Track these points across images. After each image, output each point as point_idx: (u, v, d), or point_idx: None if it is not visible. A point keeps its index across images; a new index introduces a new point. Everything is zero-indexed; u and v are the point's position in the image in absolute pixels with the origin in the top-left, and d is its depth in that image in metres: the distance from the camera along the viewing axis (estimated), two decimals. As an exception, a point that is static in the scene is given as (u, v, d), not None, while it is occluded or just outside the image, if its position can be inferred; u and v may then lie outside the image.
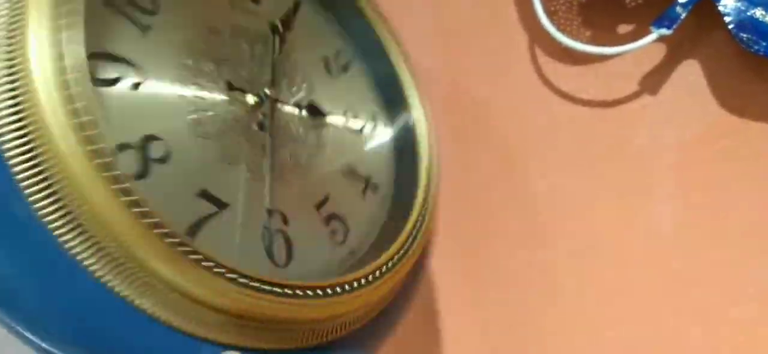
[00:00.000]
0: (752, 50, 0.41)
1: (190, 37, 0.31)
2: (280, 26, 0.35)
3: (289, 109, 0.34)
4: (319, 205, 0.33)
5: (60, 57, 0.23)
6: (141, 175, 0.27)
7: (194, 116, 0.29)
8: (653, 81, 0.47)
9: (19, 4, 0.24)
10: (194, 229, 0.28)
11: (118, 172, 0.23)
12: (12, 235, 0.23)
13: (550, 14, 0.46)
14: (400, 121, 0.38)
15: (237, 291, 0.26)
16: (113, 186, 0.23)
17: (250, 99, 0.32)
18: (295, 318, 0.28)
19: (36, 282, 0.24)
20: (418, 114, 0.38)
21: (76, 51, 0.24)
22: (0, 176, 0.23)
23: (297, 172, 0.33)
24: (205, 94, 0.30)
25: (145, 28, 0.29)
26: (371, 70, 0.39)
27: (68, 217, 0.23)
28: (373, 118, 0.38)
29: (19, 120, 0.23)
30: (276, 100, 0.33)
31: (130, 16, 0.29)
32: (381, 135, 0.38)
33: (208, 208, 0.29)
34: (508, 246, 0.44)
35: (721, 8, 0.42)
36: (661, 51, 0.47)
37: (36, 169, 0.23)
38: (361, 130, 0.37)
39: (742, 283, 0.43)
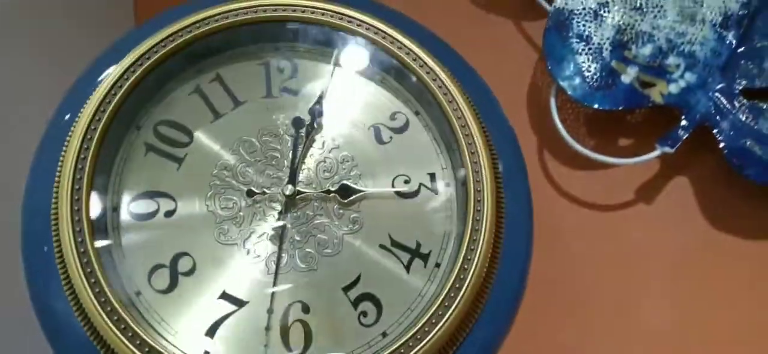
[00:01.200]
0: (742, 174, 0.47)
1: (219, 156, 0.34)
2: (306, 118, 0.35)
3: (319, 197, 0.34)
4: (349, 288, 0.32)
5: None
6: (169, 289, 0.32)
7: (221, 228, 0.33)
8: (650, 191, 0.52)
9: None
10: (213, 329, 0.31)
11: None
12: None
13: (561, 122, 0.49)
14: (460, 177, 0.33)
15: None
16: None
17: (271, 204, 0.33)
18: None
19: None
20: (473, 170, 0.32)
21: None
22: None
23: (326, 258, 0.33)
24: (230, 204, 0.33)
25: (180, 161, 0.34)
26: (434, 125, 0.35)
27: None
28: (431, 178, 0.34)
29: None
30: (291, 197, 0.33)
31: (167, 154, 0.34)
32: (439, 196, 0.34)
33: (227, 308, 0.32)
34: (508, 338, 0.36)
35: (716, 134, 0.47)
36: (657, 165, 0.52)
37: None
38: (413, 194, 0.34)
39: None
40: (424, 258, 0.33)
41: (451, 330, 0.30)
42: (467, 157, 0.33)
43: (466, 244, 0.31)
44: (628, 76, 0.48)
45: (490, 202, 0.32)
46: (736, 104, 0.47)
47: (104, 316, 0.29)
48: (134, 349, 0.29)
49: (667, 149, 0.47)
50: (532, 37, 0.55)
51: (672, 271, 0.51)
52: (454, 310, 0.30)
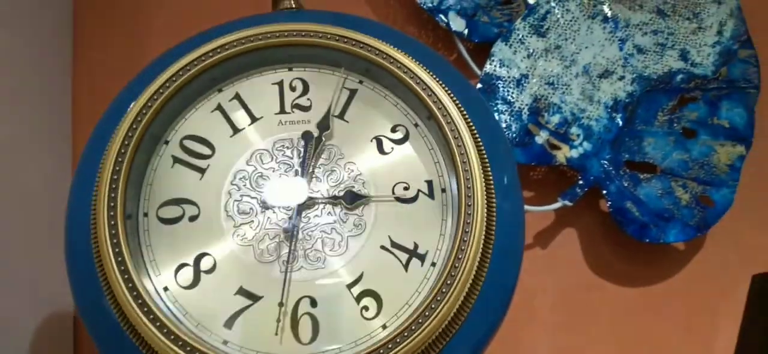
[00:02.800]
0: (622, 229, 0.57)
1: (237, 166, 0.38)
2: (314, 132, 0.38)
3: (326, 202, 0.37)
4: (352, 284, 0.35)
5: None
6: (193, 285, 0.35)
7: (238, 231, 0.36)
8: (544, 238, 0.61)
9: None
10: (231, 321, 0.34)
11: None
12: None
13: None
14: (455, 187, 0.36)
15: None
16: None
17: (281, 211, 0.36)
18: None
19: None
20: (464, 178, 0.35)
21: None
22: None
23: (332, 257, 0.36)
24: (247, 209, 0.37)
25: (202, 171, 0.38)
26: (432, 136, 0.38)
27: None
28: (428, 186, 0.37)
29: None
30: (303, 202, 0.36)
31: (192, 166, 0.38)
32: (434, 201, 0.37)
33: (243, 302, 0.35)
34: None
35: (605, 195, 0.57)
36: (553, 216, 0.61)
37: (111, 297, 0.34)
38: (411, 200, 0.37)
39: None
40: (421, 258, 0.35)
41: (442, 321, 0.32)
42: (458, 161, 0.36)
43: (457, 243, 0.34)
44: (541, 137, 0.57)
45: (480, 203, 0.35)
46: (621, 172, 0.58)
47: (136, 308, 0.32)
48: (163, 338, 0.32)
49: (567, 202, 0.56)
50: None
51: (554, 309, 0.59)
52: (444, 305, 0.33)
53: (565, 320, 0.59)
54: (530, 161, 0.57)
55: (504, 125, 0.56)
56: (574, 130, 0.58)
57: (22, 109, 0.56)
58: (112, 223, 0.34)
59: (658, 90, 0.58)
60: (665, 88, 0.57)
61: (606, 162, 0.57)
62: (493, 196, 0.36)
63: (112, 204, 0.35)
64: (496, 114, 0.56)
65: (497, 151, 0.37)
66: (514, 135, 0.56)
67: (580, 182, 0.56)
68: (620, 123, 0.57)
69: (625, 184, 0.57)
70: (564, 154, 0.56)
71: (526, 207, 0.55)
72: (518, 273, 0.37)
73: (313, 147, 0.38)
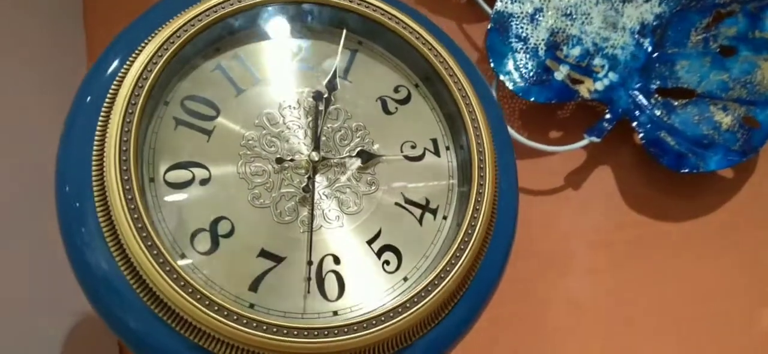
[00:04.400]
0: (658, 161, 0.53)
1: (246, 128, 0.37)
2: (324, 91, 0.38)
3: (339, 162, 0.37)
4: (372, 241, 0.36)
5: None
6: (212, 250, 0.34)
7: (253, 193, 0.36)
8: (576, 178, 0.57)
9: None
10: (256, 283, 0.34)
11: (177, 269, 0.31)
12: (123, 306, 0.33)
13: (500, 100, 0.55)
14: (460, 142, 0.38)
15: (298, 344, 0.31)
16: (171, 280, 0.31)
17: (297, 169, 0.36)
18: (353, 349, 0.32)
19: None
20: (475, 135, 0.36)
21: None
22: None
23: (349, 216, 0.36)
24: (260, 171, 0.36)
25: (209, 133, 0.36)
26: (432, 96, 0.39)
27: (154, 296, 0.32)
28: (433, 144, 0.38)
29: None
30: (317, 163, 0.36)
31: (196, 127, 0.36)
32: (441, 159, 0.38)
33: (266, 264, 0.35)
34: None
35: (635, 127, 0.53)
36: (584, 155, 0.58)
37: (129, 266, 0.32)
38: (419, 158, 0.38)
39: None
40: (433, 212, 0.37)
41: (464, 273, 0.34)
42: (469, 125, 0.37)
43: (473, 200, 0.36)
44: (560, 73, 0.54)
45: (490, 160, 0.37)
46: (652, 101, 0.54)
47: (171, 284, 0.31)
48: (196, 303, 0.31)
49: (594, 139, 0.52)
50: (473, 38, 0.60)
51: (591, 251, 0.56)
52: (466, 256, 0.34)
53: (603, 262, 0.56)
54: (550, 99, 0.54)
55: (520, 63, 0.53)
56: (597, 61, 0.55)
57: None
58: (130, 197, 0.32)
59: (689, 8, 0.54)
60: (698, 5, 0.54)
61: (635, 92, 0.54)
62: (497, 158, 0.37)
63: (124, 168, 0.32)
64: (510, 53, 0.53)
65: (493, 115, 0.38)
66: (531, 73, 0.53)
67: (607, 116, 0.54)
68: (649, 48, 0.54)
69: (658, 114, 0.54)
70: (587, 88, 0.54)
71: (553, 148, 0.53)
72: (516, 224, 0.39)
73: (323, 106, 0.38)
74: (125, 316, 0.32)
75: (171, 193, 0.35)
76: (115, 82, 0.35)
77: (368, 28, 0.39)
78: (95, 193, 0.33)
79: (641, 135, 0.53)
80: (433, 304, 0.33)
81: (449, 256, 0.34)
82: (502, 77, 0.52)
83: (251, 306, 0.34)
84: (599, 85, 0.55)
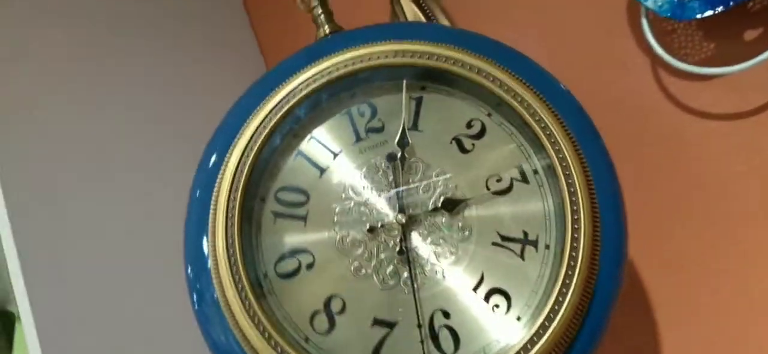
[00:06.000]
0: None
1: (335, 204, 0.38)
2: (397, 151, 0.38)
3: (427, 216, 0.37)
4: (477, 287, 0.36)
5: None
6: (330, 329, 0.37)
7: (354, 265, 0.37)
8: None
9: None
10: (377, 350, 0.36)
11: None
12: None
13: (668, 34, 0.44)
14: (544, 164, 0.37)
15: None
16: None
17: (389, 233, 0.37)
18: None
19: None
20: (554, 150, 0.35)
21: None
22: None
23: (449, 267, 0.36)
24: (356, 243, 0.37)
25: (304, 218, 0.38)
26: (508, 122, 0.38)
27: None
28: (520, 172, 0.37)
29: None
30: (405, 224, 0.37)
31: (292, 216, 0.38)
32: (530, 184, 0.37)
33: (381, 332, 0.36)
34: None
35: None
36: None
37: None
38: (508, 190, 0.37)
39: None
40: (534, 243, 0.36)
41: (578, 297, 0.34)
42: (542, 137, 0.36)
43: (569, 220, 0.34)
44: None
45: (580, 176, 0.35)
46: None
47: None
48: None
49: None
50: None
51: None
52: (577, 279, 0.34)
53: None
54: (716, 7, 0.41)
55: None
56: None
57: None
58: (241, 287, 0.36)
59: None
60: None
61: None
62: (587, 166, 0.36)
63: (236, 276, 0.36)
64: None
65: (578, 124, 0.36)
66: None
67: None
68: None
69: None
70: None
71: (737, 67, 0.41)
72: (624, 219, 0.38)
73: (399, 165, 0.39)
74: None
75: (283, 283, 0.37)
76: (215, 189, 0.38)
77: (428, 73, 0.38)
78: (214, 287, 0.37)
79: None
80: (554, 336, 0.33)
81: (559, 285, 0.34)
82: (647, 5, 0.43)
83: None
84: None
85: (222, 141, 0.40)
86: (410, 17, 0.72)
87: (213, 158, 0.40)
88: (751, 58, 0.40)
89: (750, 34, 0.44)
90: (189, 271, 0.39)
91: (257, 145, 0.38)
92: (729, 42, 0.44)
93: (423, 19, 0.71)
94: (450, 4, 0.68)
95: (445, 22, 0.69)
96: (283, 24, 0.81)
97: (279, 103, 0.38)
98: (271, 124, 0.38)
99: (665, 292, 0.48)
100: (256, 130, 0.38)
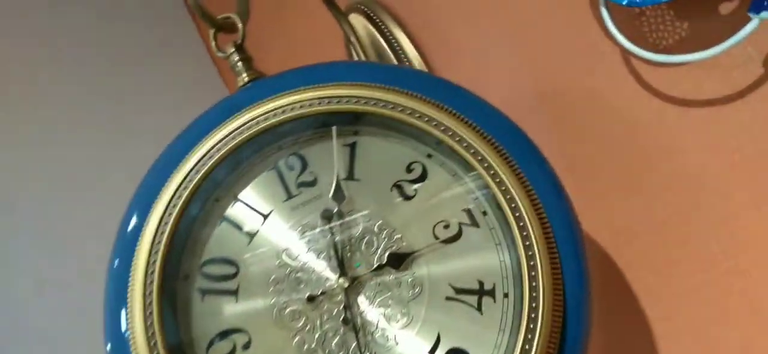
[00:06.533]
0: None
1: (269, 272, 0.34)
2: (332, 206, 0.34)
3: (372, 275, 0.34)
4: (434, 349, 0.32)
5: None
6: None
7: (296, 340, 0.33)
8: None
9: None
10: None
11: None
12: None
13: (637, 17, 0.41)
14: (493, 201, 0.33)
15: None
16: None
17: (332, 299, 0.34)
18: None
19: None
20: (500, 190, 0.32)
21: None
22: None
23: (401, 330, 0.33)
24: (296, 315, 0.33)
25: (235, 293, 0.34)
26: (450, 161, 0.34)
27: None
28: (468, 215, 0.33)
29: None
30: (348, 287, 0.33)
31: (221, 291, 0.34)
32: (481, 228, 0.34)
33: None
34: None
35: None
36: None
37: None
38: (457, 237, 0.33)
39: None
40: (491, 293, 0.32)
41: (545, 343, 0.30)
42: (491, 183, 0.32)
43: (525, 265, 0.31)
44: None
45: (529, 213, 0.32)
46: None
47: None
48: None
49: (765, 14, 0.34)
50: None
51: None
52: (541, 326, 0.30)
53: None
54: None
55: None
56: None
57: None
58: None
59: None
60: None
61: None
62: (538, 202, 0.32)
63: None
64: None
65: (524, 156, 0.33)
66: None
67: None
68: None
69: None
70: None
71: (710, 52, 0.36)
72: (582, 252, 0.35)
73: (336, 222, 0.35)
74: None
75: None
76: (132, 265, 0.33)
77: (358, 117, 0.35)
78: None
79: None
80: None
81: (522, 338, 0.30)
82: None
83: None
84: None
85: (139, 208, 0.35)
86: (362, 34, 0.70)
87: (130, 226, 0.35)
88: (730, 34, 0.36)
89: (726, 7, 0.39)
90: (109, 348, 0.35)
91: (173, 218, 0.33)
92: (703, 19, 0.40)
93: (376, 34, 0.69)
94: (408, 12, 0.64)
95: (400, 35, 0.66)
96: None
97: (195, 167, 0.34)
98: (186, 193, 0.33)
99: (669, 296, 0.45)
100: (170, 201, 0.33)
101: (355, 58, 0.66)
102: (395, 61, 0.66)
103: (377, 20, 0.69)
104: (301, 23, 0.79)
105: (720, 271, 0.41)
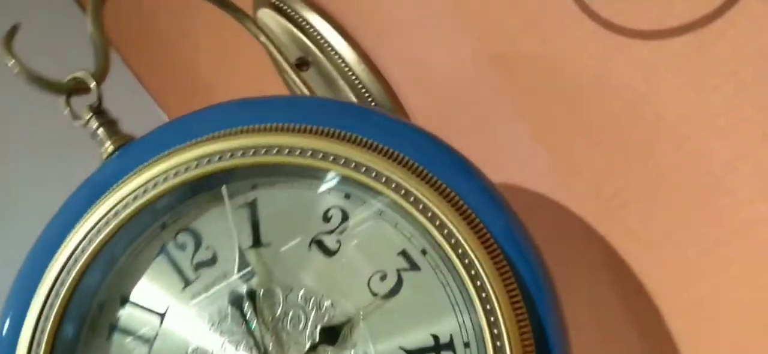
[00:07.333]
0: None
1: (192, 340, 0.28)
2: (241, 287, 0.28)
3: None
4: None
5: None
6: None
7: None
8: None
9: None
10: None
11: None
12: None
13: None
14: (427, 235, 0.26)
15: None
16: None
17: None
18: None
19: None
20: (439, 227, 0.25)
21: None
22: None
23: None
24: None
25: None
26: (372, 200, 0.27)
27: None
28: (405, 258, 0.27)
29: None
30: None
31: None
32: (423, 271, 0.27)
33: None
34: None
35: None
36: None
37: None
38: (398, 287, 0.27)
39: None
40: (450, 346, 0.27)
41: None
42: (429, 226, 0.26)
43: (480, 311, 0.25)
44: None
45: (476, 249, 0.25)
46: None
47: None
48: None
49: None
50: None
51: None
52: None
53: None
54: None
55: None
56: None
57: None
58: None
59: None
60: None
61: None
62: (482, 228, 0.26)
63: None
64: None
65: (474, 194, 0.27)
66: None
67: None
68: None
69: None
70: None
71: None
72: (544, 278, 0.29)
73: (250, 305, 0.29)
74: None
75: None
76: None
77: (251, 170, 0.28)
78: None
79: None
80: None
81: None
82: None
83: None
84: None
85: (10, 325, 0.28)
86: (277, 31, 0.62)
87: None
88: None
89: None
90: None
91: (44, 348, 0.26)
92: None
93: (292, 27, 0.61)
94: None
95: (318, 21, 0.58)
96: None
97: (58, 277, 0.27)
98: (54, 314, 0.26)
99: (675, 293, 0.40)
100: (36, 327, 0.26)
101: (276, 62, 0.59)
102: (321, 56, 0.59)
103: (289, 11, 0.61)
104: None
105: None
